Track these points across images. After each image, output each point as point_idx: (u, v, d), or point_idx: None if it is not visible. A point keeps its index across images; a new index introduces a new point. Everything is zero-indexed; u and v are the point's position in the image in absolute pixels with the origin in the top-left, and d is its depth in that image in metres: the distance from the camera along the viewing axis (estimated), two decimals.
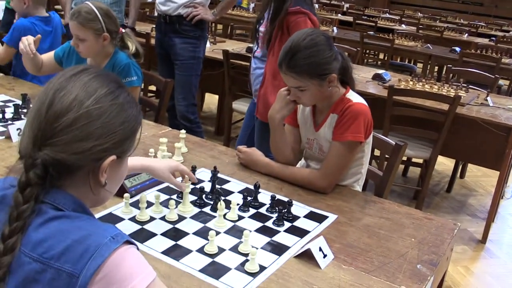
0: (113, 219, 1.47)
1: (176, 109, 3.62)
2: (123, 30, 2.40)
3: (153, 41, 4.09)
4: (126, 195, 1.52)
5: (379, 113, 3.13)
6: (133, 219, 1.48)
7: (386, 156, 2.45)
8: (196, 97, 3.66)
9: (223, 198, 1.62)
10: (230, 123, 4.06)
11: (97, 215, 1.48)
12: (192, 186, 1.72)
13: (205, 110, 5.31)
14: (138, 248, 0.88)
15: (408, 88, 3.51)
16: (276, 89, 1.90)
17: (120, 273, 0.81)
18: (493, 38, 7.58)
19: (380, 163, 3.40)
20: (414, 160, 3.86)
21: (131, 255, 0.85)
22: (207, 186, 1.69)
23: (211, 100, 5.36)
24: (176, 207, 1.54)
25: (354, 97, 1.78)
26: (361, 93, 1.85)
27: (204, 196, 1.62)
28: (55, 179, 0.88)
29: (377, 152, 3.57)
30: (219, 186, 1.71)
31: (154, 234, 1.41)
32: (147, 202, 1.52)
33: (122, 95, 0.93)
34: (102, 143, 0.88)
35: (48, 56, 2.50)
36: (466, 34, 7.63)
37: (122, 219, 1.47)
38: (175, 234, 1.42)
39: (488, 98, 3.54)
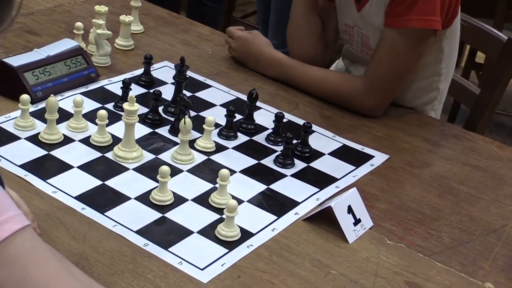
0: (0, 136, 1.46)
1: None
2: None
3: None
4: (25, 97, 1.47)
5: None
6: (34, 139, 1.47)
7: None
8: None
9: (193, 113, 1.59)
10: None
11: None
12: (144, 90, 1.67)
13: None
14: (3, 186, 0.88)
15: None
16: None
17: None
18: None
19: (484, 77, 3.34)
20: None
21: None
22: (168, 92, 1.66)
23: None
24: (109, 124, 1.50)
25: None
26: None
27: (161, 108, 1.62)
28: None
29: (480, 58, 3.47)
30: (188, 93, 1.68)
31: (67, 166, 1.41)
32: (61, 111, 1.50)
33: None
34: None
35: None
36: None
37: (15, 138, 1.47)
38: (103, 168, 1.42)
39: None
